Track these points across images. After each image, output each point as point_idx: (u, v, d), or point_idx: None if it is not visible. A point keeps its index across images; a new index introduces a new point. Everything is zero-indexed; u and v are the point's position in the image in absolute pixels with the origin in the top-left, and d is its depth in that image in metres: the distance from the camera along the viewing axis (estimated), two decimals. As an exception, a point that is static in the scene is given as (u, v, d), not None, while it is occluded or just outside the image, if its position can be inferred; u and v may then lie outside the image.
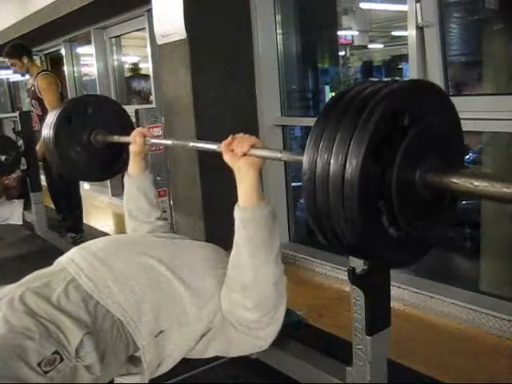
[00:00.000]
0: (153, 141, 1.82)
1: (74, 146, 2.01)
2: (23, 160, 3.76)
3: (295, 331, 1.74)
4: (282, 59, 3.12)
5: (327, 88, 3.78)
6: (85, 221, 4.17)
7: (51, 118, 1.99)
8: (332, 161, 0.84)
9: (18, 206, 4.17)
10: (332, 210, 0.86)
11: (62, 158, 2.00)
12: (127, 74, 5.77)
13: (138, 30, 4.51)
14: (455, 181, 0.86)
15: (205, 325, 1.37)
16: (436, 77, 2.19)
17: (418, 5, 2.17)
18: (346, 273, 1.29)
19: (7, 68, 4.68)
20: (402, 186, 0.87)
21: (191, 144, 1.70)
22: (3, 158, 3.65)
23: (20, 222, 4.12)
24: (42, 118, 3.59)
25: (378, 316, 1.36)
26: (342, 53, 4.79)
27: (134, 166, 1.76)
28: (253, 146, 1.27)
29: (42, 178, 4.04)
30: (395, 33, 5.86)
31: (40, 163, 3.85)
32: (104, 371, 1.23)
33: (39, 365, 1.11)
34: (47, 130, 1.98)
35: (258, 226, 1.28)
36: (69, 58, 5.94)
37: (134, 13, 4.21)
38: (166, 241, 1.56)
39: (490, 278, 2.40)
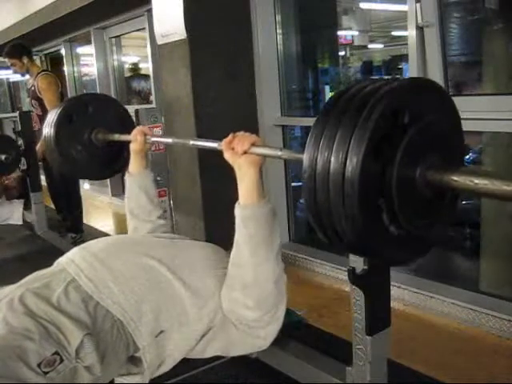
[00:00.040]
0: (153, 139, 1.81)
1: (75, 144, 2.01)
2: (23, 160, 3.75)
3: (295, 331, 1.74)
4: (282, 59, 3.12)
5: (327, 88, 3.78)
6: (85, 221, 4.17)
7: (52, 116, 1.99)
8: (332, 159, 0.84)
9: (18, 206, 4.16)
10: (332, 208, 0.86)
11: (63, 156, 2.00)
12: (127, 74, 5.77)
13: (137, 30, 4.51)
14: (456, 178, 0.86)
15: (205, 324, 1.37)
16: (436, 77, 2.19)
17: (417, 5, 2.17)
18: (346, 273, 1.29)
19: (7, 68, 4.68)
20: (402, 183, 0.87)
21: (192, 142, 1.69)
22: (3, 157, 3.65)
23: (20, 222, 4.11)
24: (42, 118, 3.59)
25: (378, 316, 1.35)
26: (342, 53, 4.78)
27: (134, 165, 1.77)
28: (253, 144, 1.27)
29: (42, 177, 4.04)
30: (395, 33, 5.86)
31: (40, 163, 3.85)
32: (104, 371, 1.23)
33: (39, 365, 1.11)
34: (48, 129, 1.98)
35: (259, 224, 1.28)
36: (69, 58, 5.94)
37: (134, 13, 4.21)
38: (166, 241, 1.56)
39: (490, 278, 2.39)
